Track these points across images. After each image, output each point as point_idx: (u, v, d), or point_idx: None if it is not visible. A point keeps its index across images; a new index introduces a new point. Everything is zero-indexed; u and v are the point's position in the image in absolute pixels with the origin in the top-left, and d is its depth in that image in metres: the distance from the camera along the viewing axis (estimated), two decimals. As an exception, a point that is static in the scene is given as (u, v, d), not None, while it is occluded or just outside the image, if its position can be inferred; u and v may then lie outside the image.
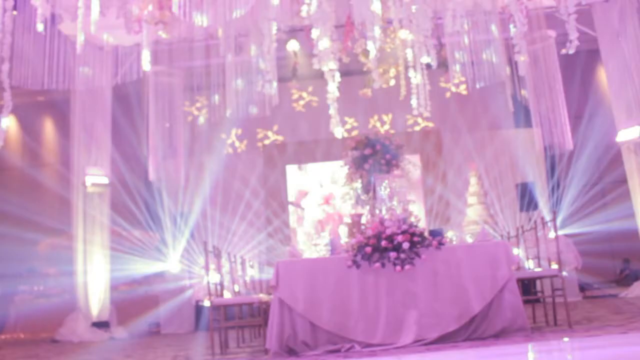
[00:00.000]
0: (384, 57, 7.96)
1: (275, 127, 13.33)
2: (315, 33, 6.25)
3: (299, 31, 9.76)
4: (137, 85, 9.78)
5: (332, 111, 6.72)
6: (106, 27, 8.60)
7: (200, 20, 6.97)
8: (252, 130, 13.26)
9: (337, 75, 6.71)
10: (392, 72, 7.81)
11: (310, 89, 13.18)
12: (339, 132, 6.53)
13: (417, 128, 12.89)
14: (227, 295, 7.10)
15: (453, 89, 12.88)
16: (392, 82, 7.92)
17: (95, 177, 9.44)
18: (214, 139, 12.85)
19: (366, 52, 7.77)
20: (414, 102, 6.96)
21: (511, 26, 7.23)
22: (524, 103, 11.19)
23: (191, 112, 13.02)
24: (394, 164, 6.79)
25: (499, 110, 12.44)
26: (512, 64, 8.64)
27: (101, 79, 9.34)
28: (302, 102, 13.43)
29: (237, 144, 13.32)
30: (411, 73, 6.89)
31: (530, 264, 6.72)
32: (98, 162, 9.44)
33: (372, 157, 6.81)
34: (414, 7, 6.63)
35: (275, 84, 7.16)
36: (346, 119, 12.26)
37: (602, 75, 11.77)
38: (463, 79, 12.91)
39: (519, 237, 7.22)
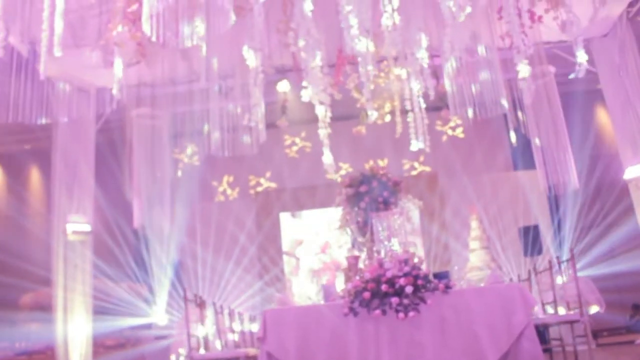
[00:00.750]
0: (378, 91, 7.39)
1: (268, 174, 12.74)
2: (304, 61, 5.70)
3: (290, 72, 9.22)
4: (122, 128, 9.17)
5: (325, 146, 6.14)
6: (87, 67, 8.07)
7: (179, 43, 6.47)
8: (244, 177, 12.68)
9: (327, 108, 6.18)
10: (387, 107, 7.22)
11: (303, 134, 12.69)
12: (331, 167, 5.94)
13: (413, 173, 12.32)
14: (218, 347, 6.38)
15: (450, 131, 12.45)
16: (388, 118, 7.33)
17: (77, 225, 8.75)
18: (205, 186, 12.30)
19: (359, 87, 7.23)
20: (413, 138, 6.34)
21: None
22: (523, 142, 10.65)
23: (181, 159, 12.48)
24: (392, 202, 6.14)
25: (497, 153, 12.03)
26: (515, 101, 8.04)
27: (84, 122, 8.76)
28: (295, 148, 12.90)
29: (228, 191, 12.71)
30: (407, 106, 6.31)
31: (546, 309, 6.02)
32: (80, 208, 8.76)
33: (368, 195, 6.17)
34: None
35: (262, 113, 6.53)
36: (340, 164, 11.66)
37: (603, 112, 11.29)
38: (460, 121, 12.57)
39: (530, 280, 6.53)
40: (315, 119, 6.25)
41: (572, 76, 6.08)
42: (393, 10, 5.16)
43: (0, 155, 12.59)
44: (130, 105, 8.45)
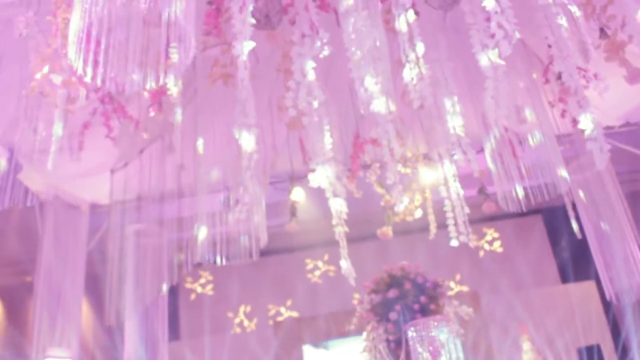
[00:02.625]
0: (406, 182, 6.02)
1: (289, 302, 11.21)
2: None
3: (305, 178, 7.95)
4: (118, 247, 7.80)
5: (342, 248, 4.73)
6: (77, 178, 6.91)
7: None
8: (263, 307, 11.16)
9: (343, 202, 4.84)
10: (418, 199, 5.82)
11: (325, 257, 11.32)
12: (350, 274, 4.51)
13: (450, 293, 10.67)
14: None
15: (486, 246, 10.98)
16: (419, 214, 5.89)
17: (58, 360, 7.19)
18: (220, 317, 10.80)
19: (382, 181, 5.89)
20: (451, 227, 4.84)
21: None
22: (573, 252, 9.12)
23: (194, 288, 11.08)
24: (432, 310, 4.56)
25: (541, 265, 10.51)
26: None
27: (73, 241, 7.45)
28: (317, 273, 11.46)
29: (245, 322, 11.11)
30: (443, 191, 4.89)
31: None
32: (64, 340, 7.22)
33: (400, 302, 4.60)
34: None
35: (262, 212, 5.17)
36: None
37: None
38: (496, 234, 11.13)
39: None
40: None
41: None
42: (418, 58, 3.91)
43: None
44: (124, 220, 7.16)
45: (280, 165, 6.99)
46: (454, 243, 4.89)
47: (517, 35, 3.31)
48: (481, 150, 5.56)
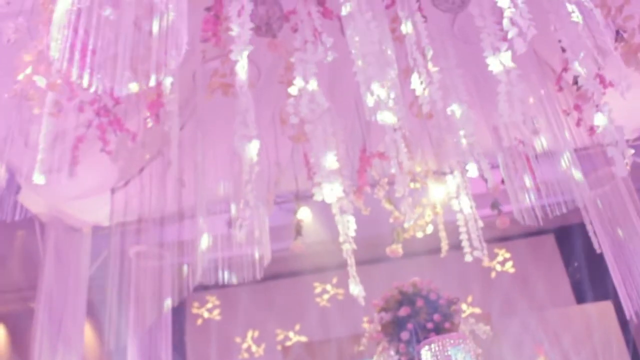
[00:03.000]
0: (415, 196, 5.75)
1: (298, 327, 10.89)
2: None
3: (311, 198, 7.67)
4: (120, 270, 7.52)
5: (350, 267, 4.47)
6: (77, 199, 6.70)
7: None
8: (271, 332, 10.84)
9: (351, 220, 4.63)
10: (428, 215, 5.55)
11: (334, 280, 11.02)
12: (360, 295, 4.24)
13: (463, 315, 10.32)
14: None
15: (498, 267, 10.66)
16: (430, 229, 5.61)
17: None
18: (228, 342, 10.49)
19: (390, 197, 5.64)
20: (465, 243, 4.56)
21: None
22: (589, 271, 8.78)
23: (200, 313, 10.80)
24: (447, 328, 4.27)
25: (555, 286, 10.18)
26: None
27: (74, 266, 7.19)
28: (326, 297, 11.15)
29: (253, 348, 10.79)
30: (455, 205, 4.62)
31: None
32: (64, 371, 6.92)
33: (412, 320, 4.32)
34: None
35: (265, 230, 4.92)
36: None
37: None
38: (508, 255, 10.82)
39: None
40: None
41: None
42: (426, 61, 3.68)
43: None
44: (125, 242, 6.89)
45: (285, 184, 6.76)
46: (468, 258, 4.61)
47: (533, 31, 3.07)
48: (495, 167, 5.32)
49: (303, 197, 7.39)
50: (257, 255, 5.40)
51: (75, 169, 4.37)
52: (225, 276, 5.73)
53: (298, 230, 6.07)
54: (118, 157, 4.31)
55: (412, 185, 5.38)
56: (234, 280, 5.86)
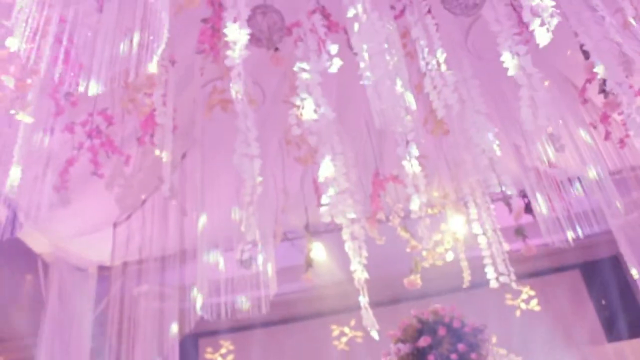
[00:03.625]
0: (434, 222, 5.33)
1: (315, 374, 10.36)
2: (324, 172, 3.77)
3: (325, 233, 7.31)
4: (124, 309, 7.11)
5: (362, 297, 4.06)
6: (79, 235, 6.37)
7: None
8: (287, 377, 10.33)
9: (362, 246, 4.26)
10: (448, 242, 5.13)
11: (352, 322, 10.52)
12: (372, 325, 3.84)
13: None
14: None
15: (523, 305, 10.10)
16: (450, 257, 5.16)
17: None
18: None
19: (405, 226, 5.24)
20: (490, 272, 4.10)
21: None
22: (620, 308, 8.26)
23: (214, 359, 10.33)
24: (473, 359, 3.80)
25: (583, 323, 9.60)
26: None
27: (79, 308, 6.82)
28: (344, 340, 10.64)
29: (270, 397, 10.27)
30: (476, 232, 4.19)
31: None
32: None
33: (433, 351, 3.87)
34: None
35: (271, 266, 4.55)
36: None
37: None
38: (532, 292, 10.28)
39: None
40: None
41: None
42: (439, 64, 3.34)
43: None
44: (129, 282, 6.52)
45: (296, 218, 6.40)
46: (494, 284, 4.17)
47: (557, 19, 2.72)
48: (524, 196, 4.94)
49: (315, 232, 7.02)
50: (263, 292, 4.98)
51: (67, 196, 4.05)
52: (231, 315, 5.29)
53: (308, 262, 5.67)
54: (113, 183, 3.99)
55: (429, 210, 4.99)
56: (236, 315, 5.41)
